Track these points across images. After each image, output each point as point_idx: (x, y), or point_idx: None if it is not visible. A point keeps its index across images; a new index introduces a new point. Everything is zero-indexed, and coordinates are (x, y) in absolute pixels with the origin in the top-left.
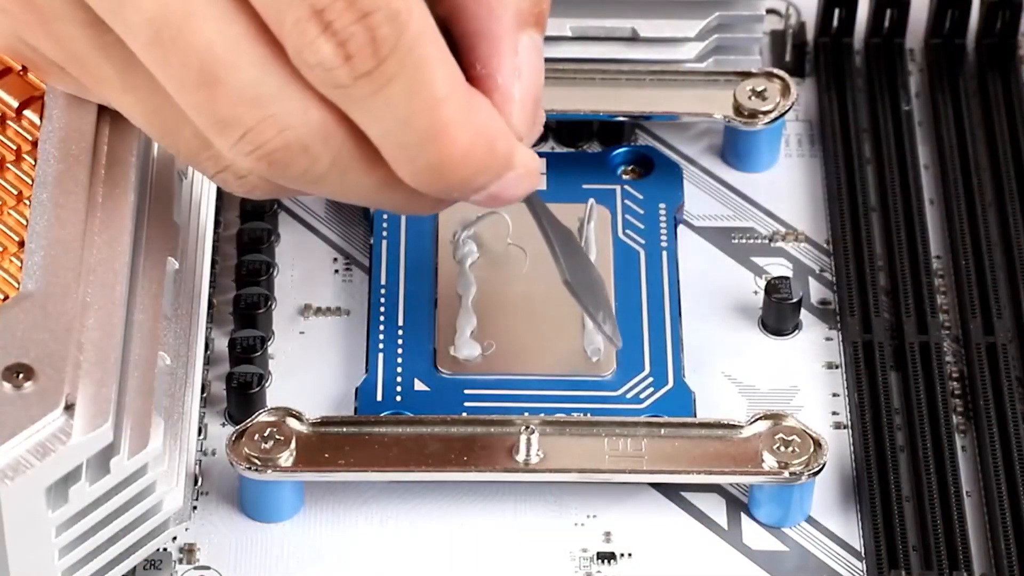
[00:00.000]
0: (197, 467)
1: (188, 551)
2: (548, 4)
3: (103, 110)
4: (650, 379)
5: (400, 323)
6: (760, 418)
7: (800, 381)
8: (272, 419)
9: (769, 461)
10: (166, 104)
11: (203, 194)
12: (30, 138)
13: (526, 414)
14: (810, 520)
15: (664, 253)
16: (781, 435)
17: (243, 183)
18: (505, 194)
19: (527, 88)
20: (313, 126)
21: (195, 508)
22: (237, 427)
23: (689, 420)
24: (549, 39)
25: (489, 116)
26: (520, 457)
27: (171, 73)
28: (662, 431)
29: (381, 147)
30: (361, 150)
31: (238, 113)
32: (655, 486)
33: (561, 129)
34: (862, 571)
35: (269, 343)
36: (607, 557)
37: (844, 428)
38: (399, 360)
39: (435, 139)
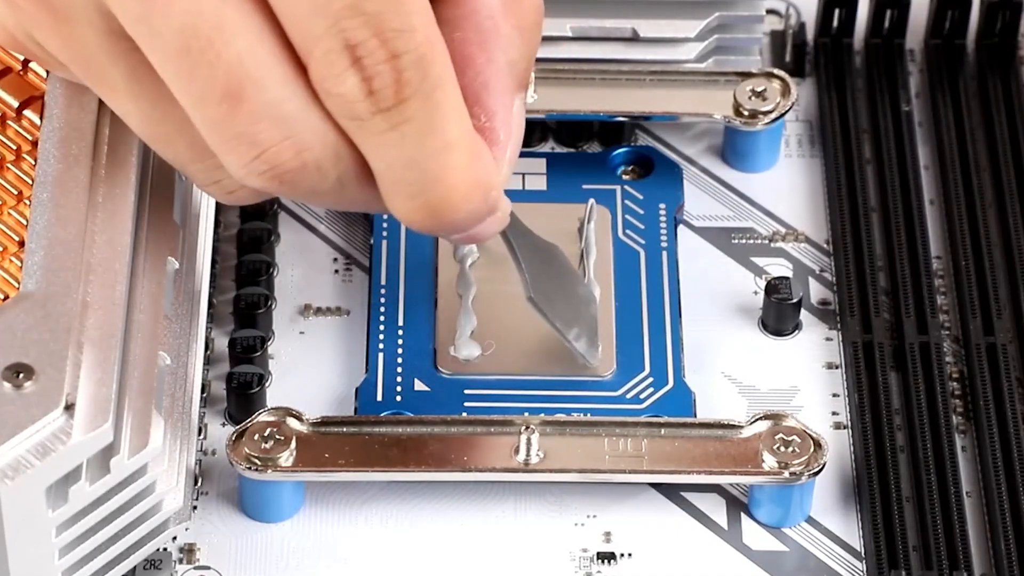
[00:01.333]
0: (197, 467)
1: (188, 551)
2: (533, 65)
3: (103, 110)
4: (650, 379)
5: (400, 323)
6: (760, 418)
7: (800, 381)
8: (272, 419)
9: (769, 461)
10: (168, 115)
11: (203, 194)
12: (30, 138)
13: (526, 414)
14: (810, 520)
15: (664, 253)
16: (781, 435)
17: (232, 195)
18: (481, 236)
19: (516, 144)
20: (329, 149)
21: (195, 508)
22: (237, 427)
23: (689, 420)
24: (549, 39)
25: (488, 165)
26: (520, 457)
27: (194, 86)
28: (662, 431)
29: (381, 178)
30: (363, 169)
31: (258, 131)
32: (655, 486)
33: (561, 129)
34: (862, 571)
35: (269, 343)
36: (607, 557)
37: (844, 428)
38: (399, 360)
39: (438, 182)
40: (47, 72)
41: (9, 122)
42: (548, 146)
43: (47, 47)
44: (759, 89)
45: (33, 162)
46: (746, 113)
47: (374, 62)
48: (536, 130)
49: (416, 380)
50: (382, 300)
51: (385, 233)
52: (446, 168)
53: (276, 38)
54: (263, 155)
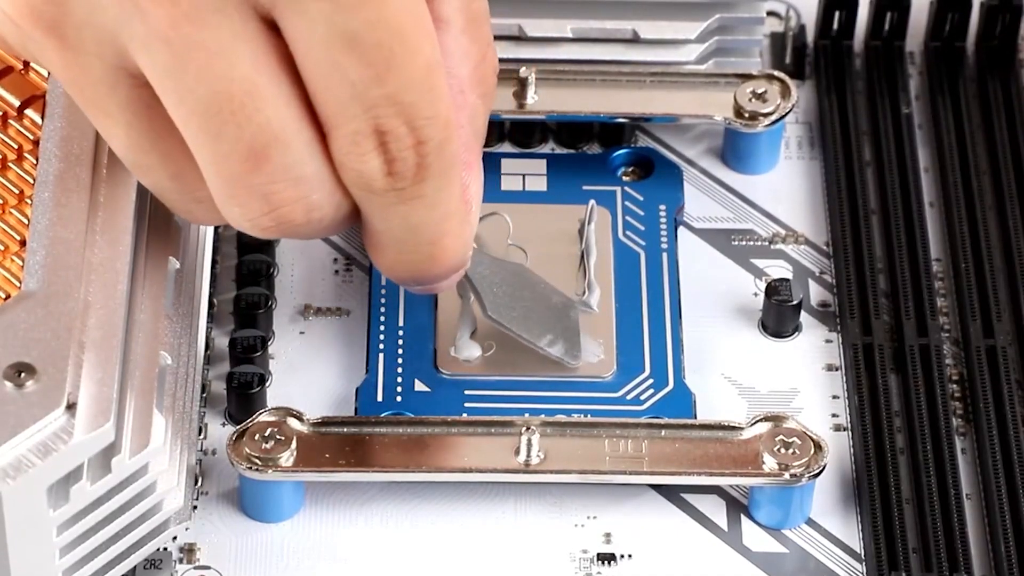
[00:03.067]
0: (197, 467)
1: (188, 551)
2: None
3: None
4: (650, 380)
5: (400, 323)
6: (760, 420)
7: (800, 383)
8: (273, 419)
9: (769, 463)
10: (157, 147)
11: None
12: (31, 137)
13: (526, 415)
14: (810, 522)
15: (664, 255)
16: (781, 437)
17: (197, 221)
18: (443, 289)
19: (480, 202)
20: (336, 209)
21: (195, 508)
22: (238, 427)
23: (689, 421)
24: (551, 40)
25: (473, 226)
26: (520, 458)
27: (220, 145)
28: (662, 432)
29: (375, 235)
30: (356, 218)
31: (275, 190)
32: (655, 487)
33: (562, 130)
34: (862, 573)
35: (270, 343)
36: (607, 558)
37: (844, 430)
38: (399, 360)
39: (431, 245)
40: (48, 72)
41: (10, 121)
42: (548, 147)
43: (45, 66)
44: (759, 91)
45: (35, 161)
46: (746, 115)
47: (400, 147)
48: (536, 131)
49: (416, 380)
50: (382, 300)
51: None
52: (443, 234)
53: (302, 103)
54: (274, 212)
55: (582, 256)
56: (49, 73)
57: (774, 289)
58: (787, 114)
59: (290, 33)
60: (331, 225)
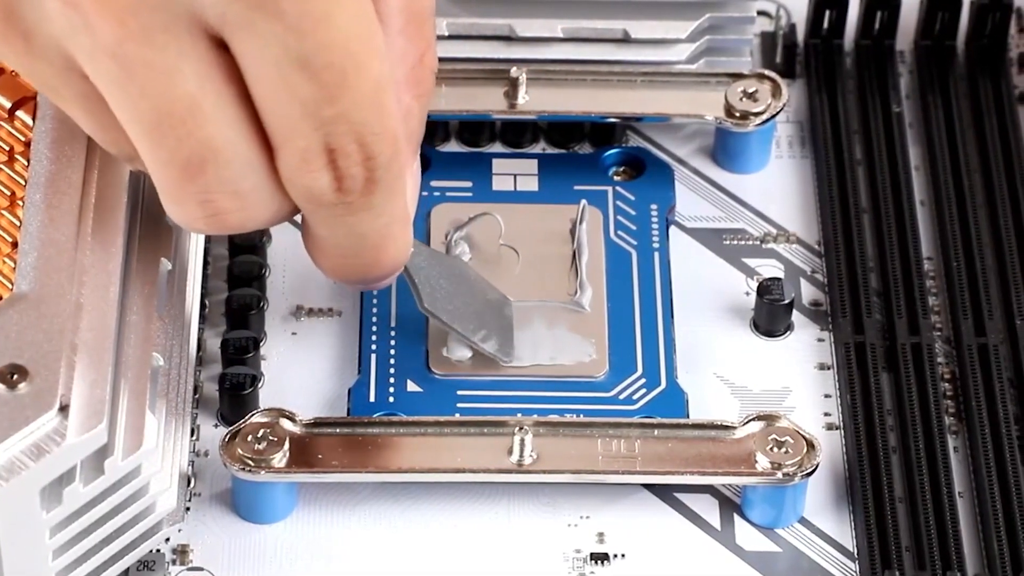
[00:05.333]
0: (190, 468)
1: (181, 552)
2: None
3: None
4: (643, 380)
5: (392, 324)
6: (753, 419)
7: (792, 382)
8: (265, 420)
9: (762, 462)
10: (118, 133)
11: None
12: (23, 139)
13: (519, 415)
14: (803, 521)
15: (656, 254)
16: (774, 436)
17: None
18: (386, 285)
19: (415, 201)
20: (274, 214)
21: (188, 509)
22: (230, 428)
23: (682, 421)
24: (541, 40)
25: (410, 229)
26: (513, 458)
27: (158, 153)
28: (655, 432)
29: (318, 239)
30: (294, 211)
31: (211, 199)
32: (648, 487)
33: (552, 130)
34: (855, 572)
35: (262, 344)
36: (600, 558)
37: (836, 429)
38: (391, 361)
39: (375, 249)
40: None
41: (2, 123)
42: (539, 147)
43: (7, 64)
44: (750, 90)
45: (26, 163)
46: (737, 114)
47: (349, 164)
48: (527, 131)
49: (409, 381)
50: (374, 301)
51: None
52: (387, 239)
53: (248, 121)
54: (209, 218)
55: (574, 256)
56: None
57: (766, 288)
58: (778, 113)
59: (240, 53)
60: (267, 225)
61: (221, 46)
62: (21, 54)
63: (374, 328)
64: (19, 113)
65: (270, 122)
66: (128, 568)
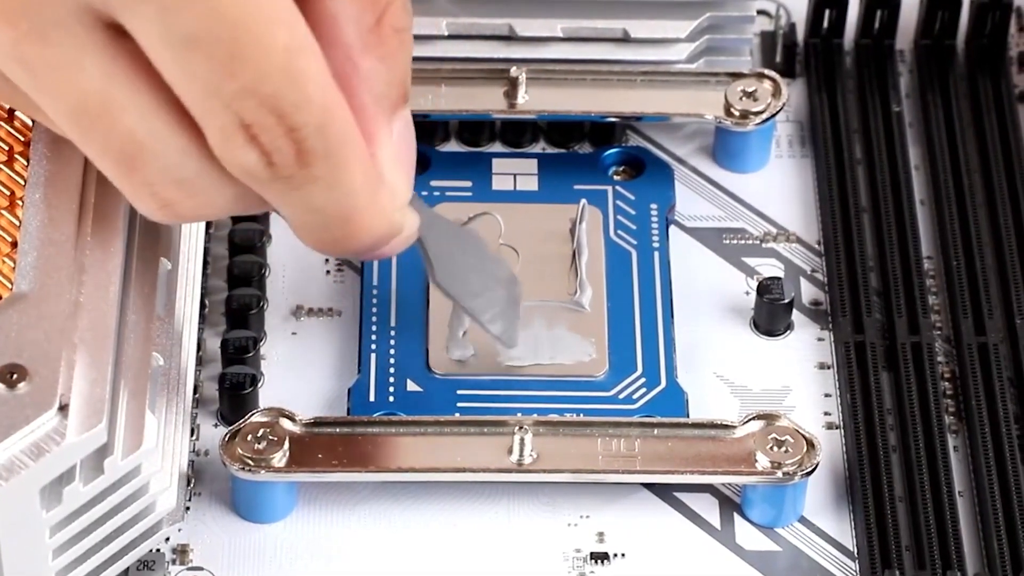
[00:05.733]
0: (190, 468)
1: (181, 552)
2: (409, 76)
3: None
4: (643, 379)
5: (392, 324)
6: (753, 418)
7: (792, 381)
8: (265, 420)
9: (762, 461)
10: None
11: None
12: (22, 139)
13: (519, 415)
14: (803, 520)
15: (656, 254)
16: (774, 435)
17: None
18: (389, 253)
19: (410, 161)
20: (230, 199)
21: (188, 509)
22: (230, 428)
23: (682, 420)
24: (541, 40)
25: (388, 194)
26: (513, 457)
27: (91, 150)
28: (655, 431)
29: (289, 220)
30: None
31: (156, 189)
32: (648, 486)
33: (552, 130)
34: (855, 571)
35: (261, 344)
36: (600, 557)
37: (836, 428)
38: (391, 361)
39: (345, 222)
40: None
41: (1, 123)
42: (539, 147)
43: None
44: (750, 90)
45: (25, 163)
46: (737, 113)
47: (272, 138)
48: (527, 131)
49: (408, 380)
50: (374, 301)
51: None
52: (353, 210)
53: (171, 108)
54: (163, 208)
55: (574, 255)
56: None
57: (766, 288)
58: (778, 113)
59: (136, 37)
60: (236, 210)
61: (122, 34)
62: None
63: (374, 328)
64: (19, 113)
65: (185, 103)
66: (128, 568)
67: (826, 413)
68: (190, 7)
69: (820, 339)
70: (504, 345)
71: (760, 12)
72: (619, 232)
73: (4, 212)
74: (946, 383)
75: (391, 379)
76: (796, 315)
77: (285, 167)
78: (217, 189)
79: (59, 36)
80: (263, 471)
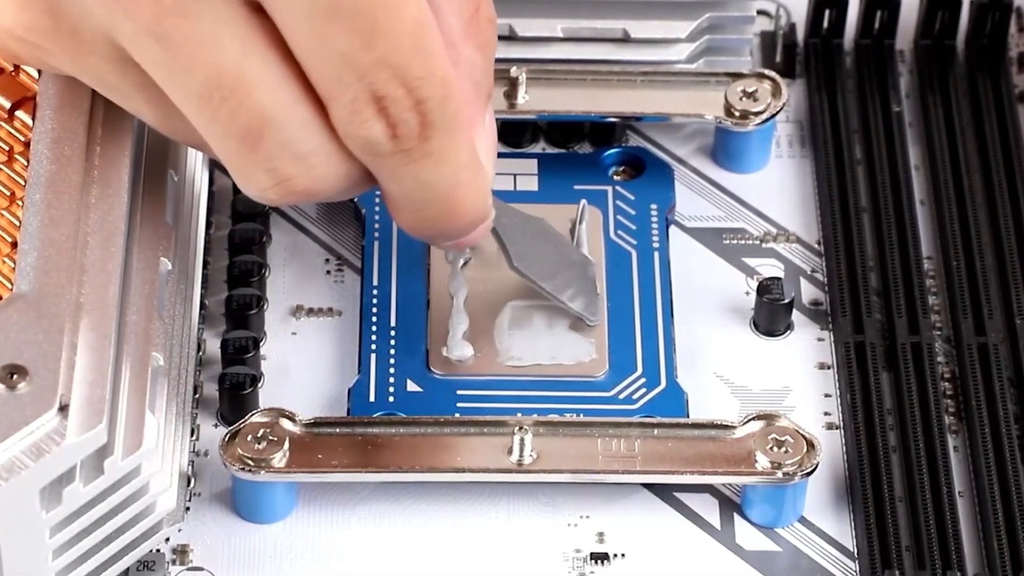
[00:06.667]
0: (190, 468)
1: (181, 552)
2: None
3: (96, 111)
4: (643, 380)
5: (392, 324)
6: (753, 418)
7: (792, 382)
8: (265, 420)
9: (762, 461)
10: (183, 120)
11: (195, 195)
12: (22, 139)
13: (519, 415)
14: (803, 520)
15: (656, 254)
16: (774, 435)
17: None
18: (472, 241)
19: (494, 151)
20: (342, 177)
21: (188, 509)
22: (230, 428)
23: (682, 420)
24: (541, 40)
25: (486, 176)
26: (513, 458)
27: (215, 128)
28: (655, 431)
29: (391, 196)
30: (369, 178)
31: (276, 166)
32: (648, 486)
33: (552, 130)
34: (855, 571)
35: (261, 344)
36: (600, 557)
37: (836, 429)
38: (391, 361)
39: (447, 199)
40: (39, 73)
41: (1, 123)
42: (539, 147)
43: (61, 69)
44: (750, 90)
45: (25, 163)
46: (737, 114)
47: (400, 110)
48: (527, 131)
49: (408, 381)
50: (374, 301)
51: (377, 234)
52: (457, 187)
53: (297, 81)
54: (278, 185)
55: None
56: (39, 74)
57: (766, 288)
58: (778, 113)
59: (273, 11)
60: (345, 191)
61: (258, 9)
62: (74, 53)
63: (374, 328)
64: (19, 113)
65: (316, 78)
66: (128, 568)
67: (826, 413)
68: None
69: (820, 339)
70: (588, 321)
71: (760, 12)
72: (619, 232)
73: (4, 212)
74: (946, 383)
75: (391, 379)
76: (796, 315)
77: (407, 139)
78: (332, 165)
79: (200, 10)
80: (263, 471)
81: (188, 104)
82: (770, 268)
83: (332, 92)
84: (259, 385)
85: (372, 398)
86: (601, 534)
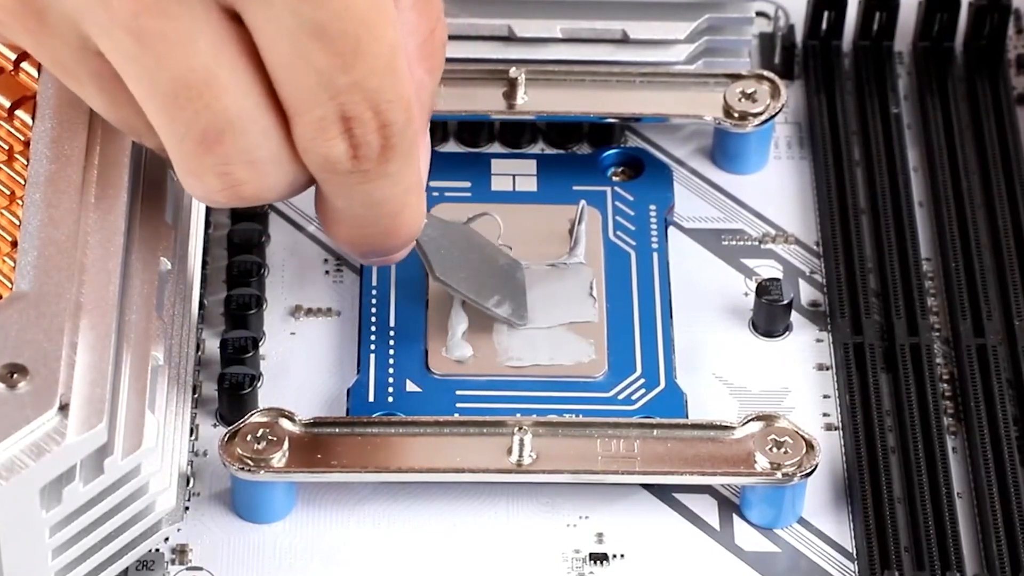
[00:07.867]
0: (189, 468)
1: (180, 552)
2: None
3: (95, 111)
4: (642, 380)
5: (391, 324)
6: (752, 419)
7: (791, 383)
8: (264, 420)
9: (761, 462)
10: (131, 107)
11: None
12: (22, 138)
13: (518, 415)
14: (802, 521)
15: (655, 255)
16: (773, 436)
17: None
18: (399, 258)
19: (427, 168)
20: (291, 185)
21: (187, 509)
22: (229, 428)
23: (681, 421)
24: (540, 41)
25: (424, 198)
26: (513, 458)
27: (175, 127)
28: (654, 432)
29: (335, 212)
30: (310, 183)
31: (229, 170)
32: (647, 487)
33: (551, 131)
34: (854, 572)
35: (261, 344)
36: (599, 558)
37: (835, 430)
38: (391, 361)
39: (391, 219)
40: (39, 72)
41: (1, 122)
42: (538, 147)
43: (20, 45)
44: (749, 91)
45: (25, 162)
46: (736, 115)
47: (365, 131)
48: (526, 131)
49: (408, 381)
50: (373, 301)
51: None
52: (404, 207)
53: (263, 90)
54: (227, 189)
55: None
56: (40, 73)
57: (764, 289)
58: (776, 114)
59: (253, 23)
60: (287, 196)
61: (234, 18)
62: (35, 32)
63: (373, 328)
64: (19, 112)
65: (286, 92)
66: (127, 568)
67: (825, 414)
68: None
69: (819, 340)
70: (514, 325)
71: (759, 14)
72: (618, 233)
73: (4, 211)
74: (945, 384)
75: (390, 379)
76: (795, 316)
77: (367, 160)
78: (283, 173)
79: (178, 11)
80: (262, 471)
81: (152, 100)
82: (769, 269)
83: (300, 107)
84: (258, 385)
85: (371, 398)
86: (600, 535)
